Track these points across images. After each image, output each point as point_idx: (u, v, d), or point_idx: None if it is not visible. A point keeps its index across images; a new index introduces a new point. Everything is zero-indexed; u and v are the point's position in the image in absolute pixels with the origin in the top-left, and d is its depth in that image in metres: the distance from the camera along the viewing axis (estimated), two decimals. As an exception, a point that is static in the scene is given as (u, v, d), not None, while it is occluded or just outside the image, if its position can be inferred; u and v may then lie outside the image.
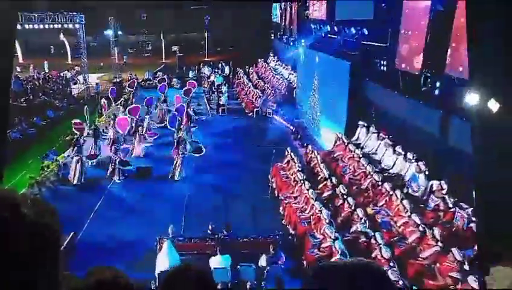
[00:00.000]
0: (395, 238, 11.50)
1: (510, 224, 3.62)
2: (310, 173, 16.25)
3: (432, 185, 12.59)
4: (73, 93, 33.34)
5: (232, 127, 25.23)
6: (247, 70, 38.08)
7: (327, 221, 11.95)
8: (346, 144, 17.58)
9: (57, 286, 1.38)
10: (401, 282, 9.37)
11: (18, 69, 37.04)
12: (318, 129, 22.69)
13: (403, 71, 15.34)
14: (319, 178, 15.71)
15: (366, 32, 18.65)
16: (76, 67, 38.09)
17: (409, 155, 14.36)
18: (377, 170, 14.85)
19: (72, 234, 12.20)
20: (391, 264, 9.88)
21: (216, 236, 12.09)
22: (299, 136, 22.58)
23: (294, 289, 10.26)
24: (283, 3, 36.47)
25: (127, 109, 22.81)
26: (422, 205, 12.59)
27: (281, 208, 14.85)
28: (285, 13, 36.21)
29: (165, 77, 34.24)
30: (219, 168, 18.72)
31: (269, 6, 42.23)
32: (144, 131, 21.62)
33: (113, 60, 37.15)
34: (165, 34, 47.54)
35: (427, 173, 13.21)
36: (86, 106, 24.45)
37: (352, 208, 12.73)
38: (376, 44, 17.81)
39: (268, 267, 10.73)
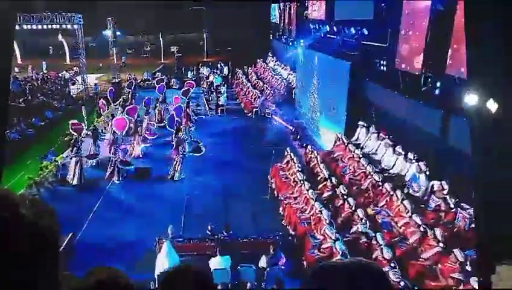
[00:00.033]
0: (396, 239, 11.45)
1: (510, 224, 3.56)
2: (309, 174, 16.20)
3: (432, 185, 12.54)
4: (71, 94, 33.30)
5: (231, 127, 25.19)
6: (246, 70, 38.07)
7: (327, 221, 11.90)
8: (346, 144, 17.54)
9: (57, 286, 1.38)
10: (402, 283, 9.32)
11: (16, 69, 36.95)
12: (317, 129, 22.66)
13: (403, 71, 15.29)
14: (318, 178, 15.66)
15: (365, 32, 18.60)
16: (74, 68, 38.07)
17: (410, 155, 14.32)
18: (377, 170, 14.81)
19: (70, 234, 12.13)
20: (392, 265, 9.82)
21: (216, 237, 12.04)
22: (298, 136, 22.54)
23: (294, 289, 10.20)
24: (282, 4, 36.45)
25: (125, 110, 22.73)
26: (423, 206, 12.54)
27: (280, 209, 14.80)
28: (284, 13, 36.19)
29: (163, 77, 34.14)
30: (218, 168, 18.68)
31: (268, 6, 42.24)
32: (142, 131, 21.58)
33: (112, 60, 37.09)
34: (164, 34, 47.53)
35: (427, 173, 13.17)
36: (84, 107, 24.40)
37: (353, 208, 12.68)
38: (376, 44, 17.77)
39: (268, 268, 10.67)
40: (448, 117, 12.66)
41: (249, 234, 12.72)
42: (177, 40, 47.65)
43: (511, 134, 3.51)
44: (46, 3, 34.72)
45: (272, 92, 30.03)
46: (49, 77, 36.12)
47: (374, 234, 11.21)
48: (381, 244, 10.51)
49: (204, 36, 46.75)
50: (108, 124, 22.14)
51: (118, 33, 36.87)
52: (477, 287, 8.03)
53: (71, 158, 17.77)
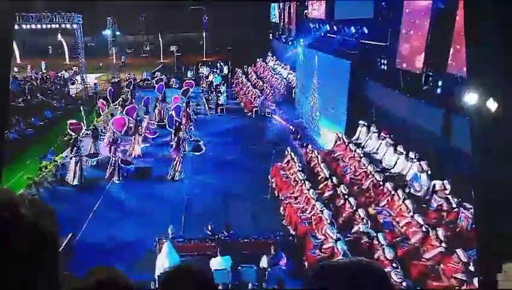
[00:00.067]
0: (398, 239, 11.38)
1: (510, 223, 3.60)
2: (310, 173, 16.14)
3: (434, 184, 12.47)
4: (71, 94, 33.24)
5: (231, 127, 25.15)
6: (245, 70, 38.02)
7: (328, 221, 11.84)
8: (346, 143, 17.48)
9: (57, 286, 1.38)
10: (404, 283, 9.25)
11: (16, 69, 36.85)
12: (318, 129, 22.60)
13: (403, 70, 15.23)
14: (319, 178, 15.60)
15: (366, 31, 18.53)
16: (74, 68, 38.01)
17: (411, 154, 14.26)
18: (378, 169, 14.74)
19: (70, 235, 12.07)
20: (394, 265, 9.76)
21: (216, 237, 11.99)
22: (298, 136, 22.48)
23: (294, 289, 10.14)
24: (282, 3, 36.39)
25: (124, 109, 22.69)
26: (424, 205, 12.47)
27: (281, 208, 14.74)
28: (283, 13, 36.12)
29: (163, 77, 34.10)
30: (218, 168, 18.64)
31: (268, 6, 42.17)
32: (142, 131, 21.53)
33: (111, 60, 37.02)
34: (164, 34, 47.47)
35: (429, 172, 13.10)
36: (83, 106, 24.36)
37: (354, 208, 12.62)
38: (376, 43, 17.70)
39: (269, 269, 10.61)
40: (449, 116, 12.60)
41: (249, 233, 12.68)
42: (177, 39, 47.57)
43: (511, 133, 3.53)
44: (46, 3, 34.65)
45: (271, 91, 30.00)
46: (48, 76, 36.03)
47: (375, 234, 11.15)
48: (383, 244, 10.45)
49: (204, 36, 46.68)
50: (108, 124, 22.07)
51: (118, 33, 36.81)
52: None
53: (71, 158, 17.70)
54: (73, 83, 35.33)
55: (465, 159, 10.09)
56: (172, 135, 19.38)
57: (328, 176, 14.98)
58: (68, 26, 31.65)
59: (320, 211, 12.42)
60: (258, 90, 30.02)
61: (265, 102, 27.71)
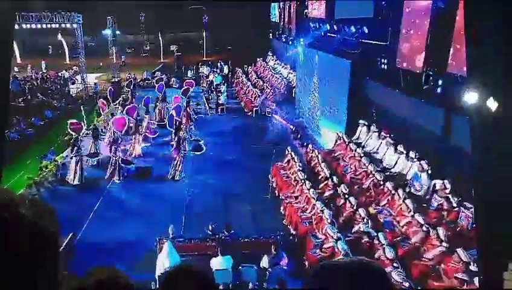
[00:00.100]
0: (398, 239, 11.37)
1: (510, 223, 3.61)
2: (310, 173, 16.12)
3: (434, 184, 12.46)
4: (71, 93, 33.24)
5: (231, 126, 25.14)
6: (246, 69, 38.01)
7: (329, 221, 11.82)
8: (347, 143, 17.48)
9: (57, 286, 1.38)
10: (407, 284, 9.25)
11: (16, 69, 36.87)
12: (318, 128, 22.59)
13: (404, 70, 15.22)
14: (319, 177, 15.59)
15: (366, 30, 18.52)
16: (74, 67, 38.01)
17: (411, 154, 14.25)
18: (379, 169, 14.73)
19: (70, 235, 12.06)
20: (395, 264, 9.76)
21: (217, 236, 11.98)
22: (298, 135, 22.47)
23: (295, 289, 10.13)
24: (282, 3, 36.37)
25: (125, 109, 22.70)
26: (425, 205, 12.45)
27: (281, 208, 14.73)
28: (283, 12, 36.10)
29: (163, 76, 34.12)
30: (219, 168, 18.63)
31: (268, 5, 42.15)
32: (143, 131, 21.53)
33: (111, 59, 37.02)
34: (164, 33, 47.46)
35: (429, 172, 13.09)
36: (83, 106, 24.35)
37: (354, 207, 12.60)
38: (376, 42, 17.69)
39: (270, 268, 10.60)
40: (449, 115, 12.60)
41: (249, 233, 12.66)
42: (177, 39, 47.58)
43: (511, 133, 3.54)
44: (46, 3, 34.65)
45: (272, 91, 29.98)
46: (48, 76, 36.03)
47: (376, 234, 11.14)
48: (384, 244, 10.45)
49: (204, 35, 46.68)
50: (108, 124, 22.07)
51: (118, 32, 36.80)
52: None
53: (71, 158, 17.69)
54: (73, 83, 35.37)
55: (466, 158, 10.06)
56: (173, 134, 19.38)
57: (328, 176, 14.97)
58: (68, 25, 31.64)
59: (320, 210, 12.42)
60: (258, 90, 30.02)
61: (265, 101, 27.70)
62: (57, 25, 31.40)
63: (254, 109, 27.50)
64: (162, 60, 45.62)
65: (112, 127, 19.35)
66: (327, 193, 14.24)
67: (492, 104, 3.63)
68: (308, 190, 13.77)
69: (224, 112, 28.31)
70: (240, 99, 31.19)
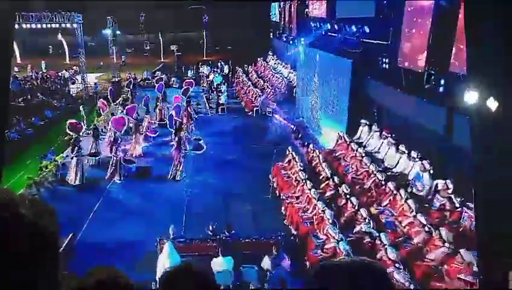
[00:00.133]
0: (400, 239, 11.28)
1: (510, 223, 3.60)
2: (311, 173, 16.06)
3: (436, 184, 12.38)
4: (71, 93, 33.21)
5: (231, 126, 25.07)
6: (246, 69, 37.97)
7: (330, 221, 11.75)
8: (348, 142, 17.41)
9: (57, 286, 1.39)
10: (411, 285, 9.18)
11: (16, 69, 36.81)
12: (319, 128, 22.52)
13: (405, 69, 15.15)
14: (320, 177, 15.52)
15: (367, 30, 18.44)
16: (74, 67, 37.97)
17: (413, 154, 14.17)
18: (380, 169, 14.66)
19: (70, 235, 11.99)
20: (397, 265, 9.68)
21: (218, 237, 11.91)
22: (299, 135, 22.42)
23: (296, 289, 10.06)
24: (282, 2, 36.31)
25: (125, 109, 22.71)
26: (427, 205, 12.36)
27: (282, 208, 14.66)
28: (284, 12, 36.03)
29: (163, 76, 34.14)
30: (219, 168, 18.58)
31: (268, 5, 42.09)
32: (143, 130, 21.48)
33: (112, 59, 36.96)
34: (164, 33, 47.41)
35: (431, 171, 13.02)
36: (83, 106, 24.32)
37: (356, 208, 12.52)
38: (377, 42, 17.62)
39: (271, 269, 10.53)
40: (452, 115, 12.51)
41: (250, 233, 12.62)
42: (177, 38, 47.52)
43: (511, 133, 3.54)
44: (46, 2, 34.61)
45: (272, 90, 29.93)
46: (48, 76, 36.00)
47: (377, 234, 11.06)
48: (386, 245, 10.38)
49: (204, 35, 46.63)
50: (108, 124, 22.02)
51: (118, 32, 36.75)
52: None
53: (72, 158, 17.62)
54: (73, 83, 35.37)
55: (468, 158, 9.97)
56: (173, 134, 19.35)
57: (329, 176, 14.91)
58: (68, 25, 31.58)
59: (322, 210, 12.35)
60: (258, 90, 29.97)
61: (266, 101, 27.65)
62: (57, 25, 31.32)
63: (254, 108, 27.45)
64: (162, 60, 45.59)
65: (112, 128, 19.30)
66: (328, 193, 14.16)
67: (492, 104, 3.62)
68: (310, 190, 13.71)
69: (224, 112, 28.24)
70: (241, 99, 31.15)
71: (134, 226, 13.81)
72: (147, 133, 21.90)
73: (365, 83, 18.31)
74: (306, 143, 20.30)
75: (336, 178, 14.56)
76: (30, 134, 22.88)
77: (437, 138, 13.49)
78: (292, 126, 23.75)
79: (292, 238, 12.91)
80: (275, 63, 37.11)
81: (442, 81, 12.64)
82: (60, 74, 36.87)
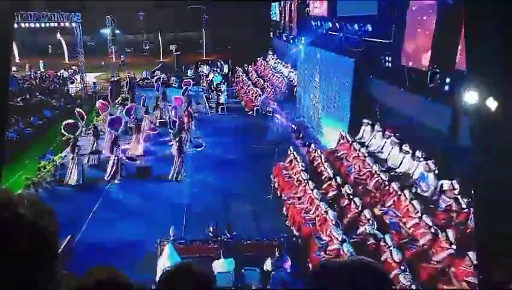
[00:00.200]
0: (405, 240, 11.08)
1: (509, 223, 3.63)
2: (313, 173, 15.85)
3: (442, 184, 12.18)
4: (70, 93, 33.06)
5: (232, 126, 24.88)
6: (246, 68, 37.84)
7: (334, 222, 11.56)
8: (350, 142, 17.20)
9: (57, 286, 1.40)
10: (413, 286, 8.98)
11: (14, 68, 36.64)
12: (320, 128, 22.34)
13: (408, 68, 14.95)
14: (323, 178, 15.32)
15: (369, 28, 18.26)
16: (73, 67, 37.83)
17: (418, 153, 13.96)
18: (383, 169, 14.46)
19: (69, 237, 11.82)
20: (402, 267, 9.49)
21: (219, 238, 11.73)
22: (300, 134, 22.26)
23: (296, 289, 9.88)
24: (282, 1, 36.17)
25: (125, 108, 22.68)
26: (432, 206, 12.16)
27: (284, 209, 14.48)
28: (284, 11, 35.89)
29: (162, 76, 34.08)
30: (219, 168, 18.43)
31: (268, 5, 41.98)
32: (143, 130, 21.33)
33: (111, 59, 36.80)
34: (163, 33, 47.28)
35: (436, 172, 12.82)
36: (81, 107, 24.25)
37: (359, 208, 12.32)
38: (379, 40, 17.43)
39: (273, 271, 10.35)
40: (457, 114, 12.29)
41: (251, 234, 12.48)
42: (177, 38, 47.41)
43: (511, 133, 3.55)
44: (46, 2, 34.46)
45: (272, 90, 29.77)
46: (47, 75, 35.86)
47: (382, 236, 10.87)
48: (390, 246, 10.19)
49: (204, 34, 46.50)
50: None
51: (117, 31, 36.58)
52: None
53: (72, 158, 17.41)
54: (72, 82, 35.21)
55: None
56: (171, 135, 19.23)
57: (332, 176, 14.71)
58: (67, 24, 31.42)
59: (324, 211, 12.16)
60: (258, 89, 29.82)
61: (266, 101, 27.49)
62: (56, 24, 31.16)
63: (255, 108, 27.30)
64: (161, 60, 45.51)
65: (108, 128, 19.23)
66: (331, 194, 13.96)
67: (492, 104, 3.62)
68: (312, 190, 13.51)
69: (224, 112, 28.11)
70: (241, 98, 31.01)
71: (134, 226, 13.67)
72: (146, 132, 21.72)
73: (367, 81, 18.12)
74: (307, 143, 20.14)
75: (338, 178, 14.36)
76: (29, 134, 22.77)
77: (442, 138, 13.27)
78: (293, 126, 23.58)
79: (294, 239, 12.72)
80: (275, 63, 36.97)
81: (448, 80, 12.42)
82: (58, 73, 36.77)
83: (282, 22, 36.69)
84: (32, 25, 29.74)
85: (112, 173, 17.42)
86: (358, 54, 18.61)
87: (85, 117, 21.55)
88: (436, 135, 13.58)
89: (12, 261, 1.25)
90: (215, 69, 38.42)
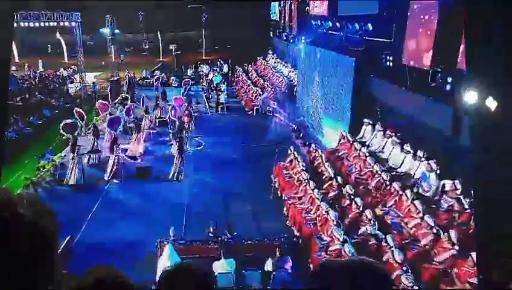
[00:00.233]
0: (407, 241, 11.01)
1: (509, 223, 3.61)
2: (313, 173, 15.76)
3: (444, 184, 12.10)
4: (70, 92, 33.01)
5: (232, 125, 24.86)
6: (246, 68, 37.78)
7: (334, 223, 11.48)
8: (351, 142, 17.12)
9: (57, 286, 1.40)
10: (416, 287, 8.92)
11: (13, 68, 36.53)
12: (320, 127, 22.27)
13: (410, 67, 14.88)
14: (323, 178, 15.24)
15: (370, 28, 18.17)
16: (73, 66, 37.75)
17: (419, 153, 13.88)
18: (385, 169, 14.38)
19: (68, 237, 11.75)
20: (404, 268, 9.43)
21: (219, 239, 11.67)
22: (300, 134, 22.20)
23: (297, 289, 9.82)
24: (282, 1, 36.08)
25: (124, 108, 22.65)
26: (434, 206, 12.06)
27: (284, 209, 14.41)
28: (284, 10, 35.80)
29: (161, 75, 34.01)
30: (219, 167, 18.38)
31: (267, 4, 41.88)
32: (143, 130, 21.28)
33: (110, 58, 36.73)
34: (163, 32, 47.21)
35: (438, 172, 12.74)
36: (81, 106, 24.20)
37: (361, 209, 12.24)
38: (380, 40, 17.35)
39: (274, 272, 10.28)
40: (459, 113, 12.21)
41: (252, 234, 12.41)
42: (176, 38, 47.35)
43: (511, 133, 3.53)
44: (46, 2, 34.37)
45: (272, 89, 29.70)
46: (46, 75, 35.78)
47: (383, 236, 10.80)
48: (392, 247, 10.12)
49: (203, 34, 46.43)
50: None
51: (117, 31, 36.51)
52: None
53: (72, 158, 17.34)
54: (72, 82, 35.16)
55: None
56: (171, 135, 19.17)
57: (332, 176, 14.63)
58: (66, 24, 31.33)
59: (325, 211, 12.09)
60: (258, 89, 29.75)
61: (266, 100, 27.43)
62: (55, 23, 31.09)
63: (255, 107, 27.26)
64: (161, 59, 45.45)
65: (107, 128, 19.16)
66: (332, 194, 13.88)
67: (492, 104, 3.62)
68: (313, 190, 13.44)
69: (224, 111, 28.07)
70: (241, 98, 30.96)
71: (134, 226, 13.63)
72: (146, 131, 21.67)
73: (368, 81, 18.03)
74: (307, 142, 20.07)
75: (339, 178, 14.29)
76: (28, 133, 22.73)
77: (443, 137, 13.18)
78: (293, 125, 23.52)
79: (295, 239, 12.66)
80: (275, 62, 36.87)
81: (450, 79, 12.33)
82: (58, 72, 36.67)
83: (282, 21, 36.58)
84: (31, 24, 29.68)
85: (112, 172, 17.33)
86: (359, 53, 18.52)
87: (85, 117, 21.51)
88: (437, 135, 13.49)
89: (12, 261, 1.24)
90: (215, 68, 38.39)
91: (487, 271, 3.85)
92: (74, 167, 17.10)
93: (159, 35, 47.15)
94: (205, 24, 45.96)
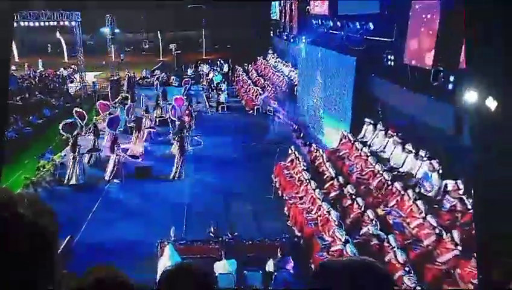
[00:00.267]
0: (409, 241, 10.95)
1: (509, 223, 3.62)
2: (314, 172, 15.71)
3: (446, 184, 12.04)
4: (70, 92, 32.96)
5: (232, 125, 24.76)
6: (246, 67, 37.74)
7: (336, 223, 11.42)
8: (352, 141, 17.07)
9: (57, 286, 1.40)
10: (418, 288, 8.85)
11: (13, 67, 36.47)
12: (321, 127, 22.21)
13: (411, 66, 14.81)
14: (324, 177, 15.19)
15: (371, 27, 18.11)
16: (73, 66, 37.69)
17: (421, 153, 13.82)
18: (386, 168, 14.32)
19: (68, 237, 11.68)
20: (407, 268, 9.37)
21: (220, 239, 11.61)
22: (301, 134, 22.15)
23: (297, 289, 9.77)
24: (283, 1, 36.02)
25: (125, 108, 22.62)
26: (436, 206, 12.00)
27: (285, 209, 14.36)
28: (285, 10, 35.74)
29: (161, 75, 33.96)
30: (220, 167, 18.30)
31: (268, 4, 41.79)
32: (143, 130, 21.23)
33: (110, 58, 36.67)
34: (163, 32, 47.16)
35: (440, 171, 12.67)
36: (81, 106, 24.17)
37: (362, 209, 12.18)
38: (381, 39, 17.29)
39: (275, 272, 10.22)
40: (461, 113, 12.13)
41: (252, 234, 12.35)
42: (176, 37, 47.31)
43: (511, 132, 3.54)
44: (46, 2, 34.31)
45: (273, 89, 29.65)
46: (46, 74, 35.72)
47: (385, 236, 10.73)
48: (394, 247, 10.06)
49: (203, 34, 46.39)
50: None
51: (117, 30, 36.44)
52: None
53: (73, 157, 17.28)
54: (72, 81, 35.10)
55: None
56: (172, 134, 19.12)
57: (333, 176, 14.58)
58: (66, 23, 31.27)
59: (327, 211, 12.03)
60: (259, 88, 29.70)
61: (266, 100, 27.38)
62: (55, 23, 31.04)
63: (255, 107, 27.20)
64: (161, 59, 45.41)
65: (106, 128, 19.11)
66: (333, 194, 13.83)
67: (491, 104, 3.63)
68: (314, 190, 13.38)
69: (225, 111, 28.00)
70: (241, 97, 30.90)
71: (134, 226, 13.57)
72: (146, 131, 21.62)
73: (369, 80, 17.97)
74: (308, 142, 20.01)
75: (340, 178, 14.22)
76: (28, 133, 22.67)
77: (445, 137, 13.12)
78: (294, 125, 23.46)
79: (296, 240, 12.60)
80: (276, 62, 36.81)
81: (452, 78, 12.27)
82: (58, 72, 36.60)
83: (283, 21, 36.51)
84: (31, 23, 29.64)
85: (113, 172, 17.26)
86: (360, 53, 18.46)
87: (86, 117, 21.45)
88: (439, 134, 13.42)
89: (12, 261, 1.24)
90: (215, 68, 38.34)
91: (487, 271, 3.86)
92: (75, 167, 17.04)
93: (159, 34, 47.10)
94: (205, 24, 45.88)
